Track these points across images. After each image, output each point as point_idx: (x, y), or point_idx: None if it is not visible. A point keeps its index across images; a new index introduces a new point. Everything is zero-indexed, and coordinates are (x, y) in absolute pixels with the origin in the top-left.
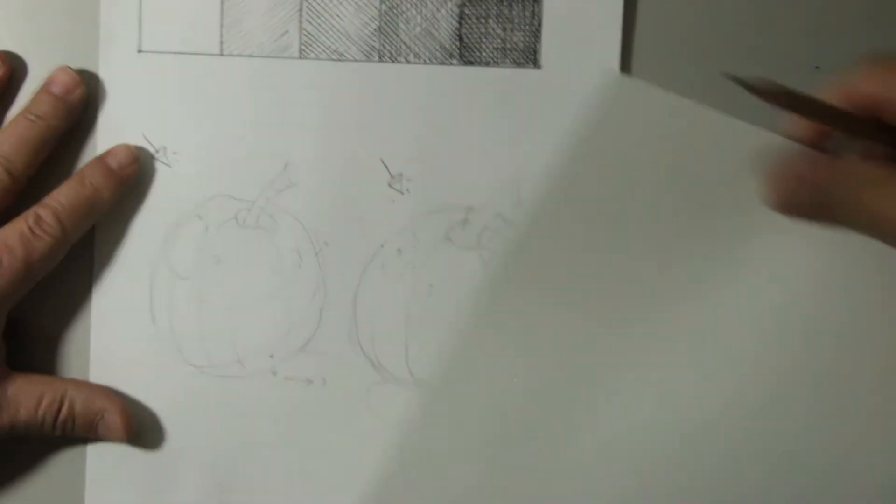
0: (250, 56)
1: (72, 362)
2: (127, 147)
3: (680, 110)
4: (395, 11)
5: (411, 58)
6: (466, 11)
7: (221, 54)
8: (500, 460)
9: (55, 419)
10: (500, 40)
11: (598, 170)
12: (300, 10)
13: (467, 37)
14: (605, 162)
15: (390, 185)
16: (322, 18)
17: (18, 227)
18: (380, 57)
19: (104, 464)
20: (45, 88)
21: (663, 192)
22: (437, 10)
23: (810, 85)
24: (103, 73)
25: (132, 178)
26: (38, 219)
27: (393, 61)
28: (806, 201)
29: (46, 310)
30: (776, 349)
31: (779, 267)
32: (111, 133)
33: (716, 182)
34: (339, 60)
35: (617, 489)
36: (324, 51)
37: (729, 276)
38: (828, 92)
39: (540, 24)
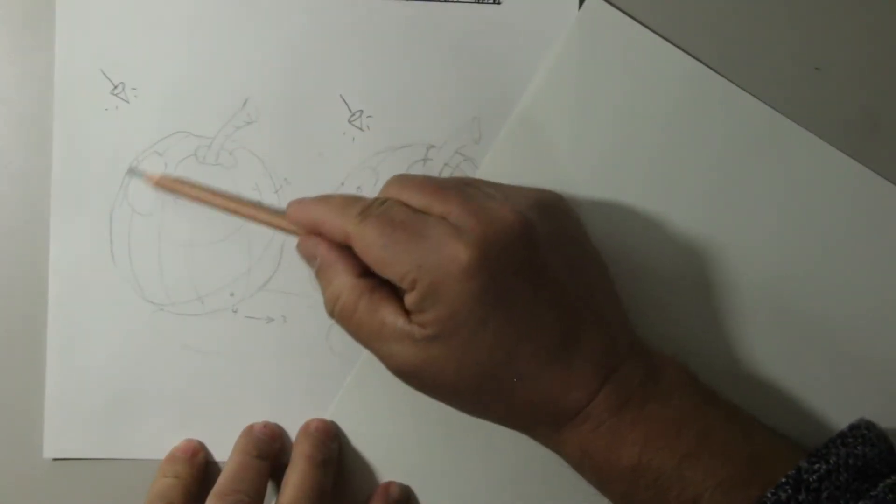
0: None
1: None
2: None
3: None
4: None
5: None
6: None
7: None
8: None
9: None
10: None
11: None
12: None
13: None
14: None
15: (350, 122)
16: None
17: None
18: None
19: (63, 404)
20: None
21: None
22: None
23: (811, 85)
24: (60, 7)
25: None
26: None
27: None
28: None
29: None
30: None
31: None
32: (69, 70)
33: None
34: None
35: None
36: None
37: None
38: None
39: None
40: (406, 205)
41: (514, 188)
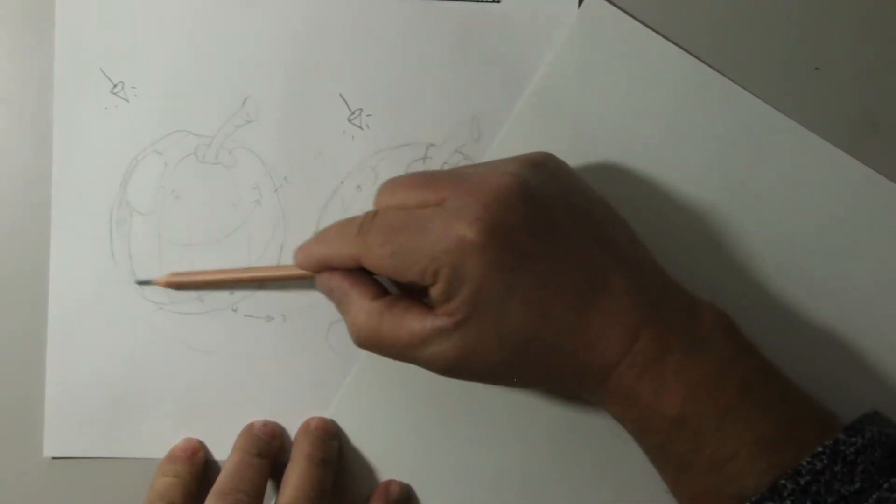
0: None
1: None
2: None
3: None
4: None
5: None
6: None
7: None
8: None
9: None
10: None
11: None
12: None
13: None
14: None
15: (350, 121)
16: None
17: None
18: None
19: (63, 403)
20: None
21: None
22: None
23: (811, 85)
24: (59, 6)
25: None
26: None
27: None
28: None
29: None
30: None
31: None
32: (68, 68)
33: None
34: None
35: None
36: None
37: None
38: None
39: None
40: (401, 207)
41: (500, 160)
